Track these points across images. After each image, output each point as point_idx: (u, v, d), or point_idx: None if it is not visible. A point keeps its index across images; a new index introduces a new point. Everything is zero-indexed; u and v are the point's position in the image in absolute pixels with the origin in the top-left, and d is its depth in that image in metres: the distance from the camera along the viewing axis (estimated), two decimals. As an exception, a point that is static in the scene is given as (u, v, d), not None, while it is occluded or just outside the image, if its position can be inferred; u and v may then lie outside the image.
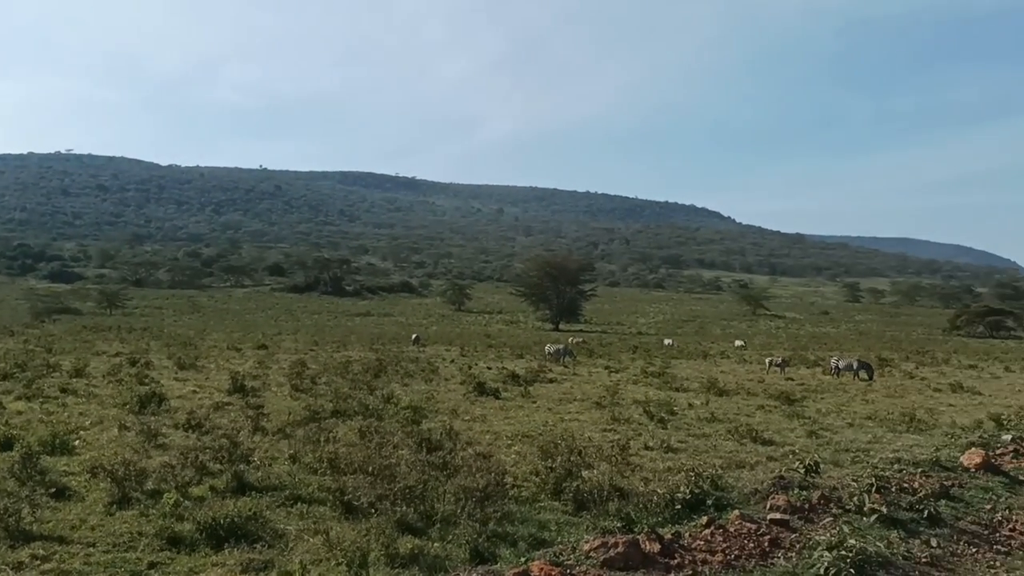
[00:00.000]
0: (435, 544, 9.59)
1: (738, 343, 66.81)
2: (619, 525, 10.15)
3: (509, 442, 16.54)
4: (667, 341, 66.38)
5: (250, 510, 10.35)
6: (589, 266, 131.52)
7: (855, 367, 35.57)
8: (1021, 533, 11.63)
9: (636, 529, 9.90)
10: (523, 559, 9.05)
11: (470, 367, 35.97)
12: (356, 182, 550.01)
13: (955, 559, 10.28)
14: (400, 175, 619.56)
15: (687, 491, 11.23)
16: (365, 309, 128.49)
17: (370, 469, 12.12)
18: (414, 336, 59.82)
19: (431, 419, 19.40)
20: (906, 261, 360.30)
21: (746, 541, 9.63)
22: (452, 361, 40.61)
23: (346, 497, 11.07)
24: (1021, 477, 14.73)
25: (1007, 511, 12.52)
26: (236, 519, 9.96)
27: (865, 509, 11.10)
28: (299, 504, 11.38)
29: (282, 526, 10.37)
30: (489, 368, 36.10)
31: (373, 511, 10.48)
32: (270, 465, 13.71)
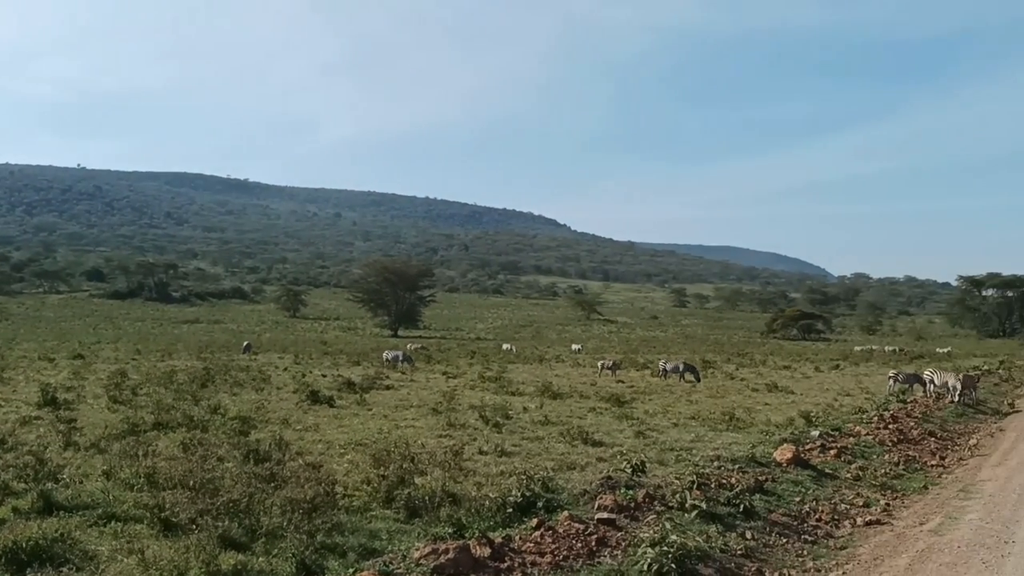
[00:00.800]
0: (259, 559, 9.23)
1: (575, 347, 68.43)
2: (450, 531, 10.12)
3: (342, 451, 16.23)
4: (505, 346, 67.19)
5: (57, 531, 9.65)
6: (428, 272, 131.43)
7: (681, 369, 37.14)
8: (826, 523, 12.47)
9: (467, 534, 9.90)
10: (351, 570, 8.86)
11: (304, 375, 35.12)
12: (184, 183, 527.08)
13: (767, 550, 10.88)
14: (232, 177, 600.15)
15: (519, 494, 11.34)
16: (193, 316, 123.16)
17: (191, 483, 11.55)
18: (245, 344, 57.83)
19: (261, 429, 18.75)
20: (728, 268, 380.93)
21: (574, 541, 9.82)
22: (285, 369, 39.52)
23: (164, 513, 10.50)
24: (827, 470, 15.80)
25: (814, 502, 13.39)
26: (41, 541, 9.26)
27: (687, 505, 11.56)
28: (113, 523, 10.70)
29: (93, 547, 9.72)
30: (324, 376, 35.37)
31: (194, 527, 9.97)
32: (81, 482, 12.84)
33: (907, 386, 31.92)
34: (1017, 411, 29.40)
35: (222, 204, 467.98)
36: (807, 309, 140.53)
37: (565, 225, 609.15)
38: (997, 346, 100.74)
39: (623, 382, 35.50)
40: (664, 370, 38.16)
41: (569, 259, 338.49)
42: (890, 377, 33.62)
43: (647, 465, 14.04)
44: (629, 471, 13.44)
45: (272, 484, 11.95)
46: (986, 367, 48.35)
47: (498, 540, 9.55)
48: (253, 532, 10.05)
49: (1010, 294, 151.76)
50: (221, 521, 10.01)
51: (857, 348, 79.94)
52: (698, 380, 35.94)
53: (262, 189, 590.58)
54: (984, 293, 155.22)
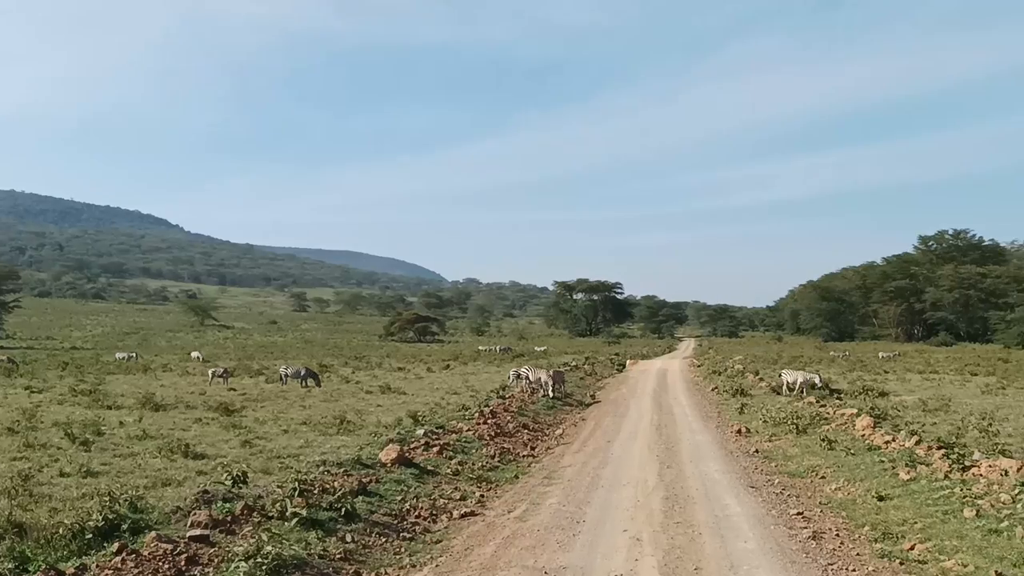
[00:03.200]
0: None
1: (195, 355, 64.64)
2: (11, 567, 8.91)
3: None
4: (120, 355, 61.72)
5: None
6: (13, 274, 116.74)
7: (303, 374, 36.74)
8: (425, 519, 12.93)
9: (32, 568, 8.79)
10: None
11: None
12: None
13: (367, 551, 11.00)
14: None
15: (100, 517, 10.31)
16: None
17: None
18: None
19: None
20: (349, 273, 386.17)
21: (161, 563, 9.14)
22: None
23: None
24: (429, 467, 16.43)
25: (415, 500, 13.83)
26: None
27: (287, 514, 11.31)
28: None
29: None
30: None
31: None
32: None
33: (524, 381, 34.30)
34: (598, 402, 33.04)
35: None
36: (423, 312, 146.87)
37: (177, 225, 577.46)
38: (585, 344, 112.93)
39: (235, 390, 34.21)
40: (285, 376, 37.46)
41: (182, 262, 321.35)
42: (512, 373, 36.08)
43: (250, 475, 13.58)
44: (229, 483, 12.87)
45: None
46: (574, 363, 53.82)
47: (70, 571, 8.60)
48: None
49: (596, 298, 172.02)
50: None
51: (481, 348, 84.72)
52: (319, 385, 35.77)
53: None
54: (575, 297, 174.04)
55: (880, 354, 70.69)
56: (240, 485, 12.90)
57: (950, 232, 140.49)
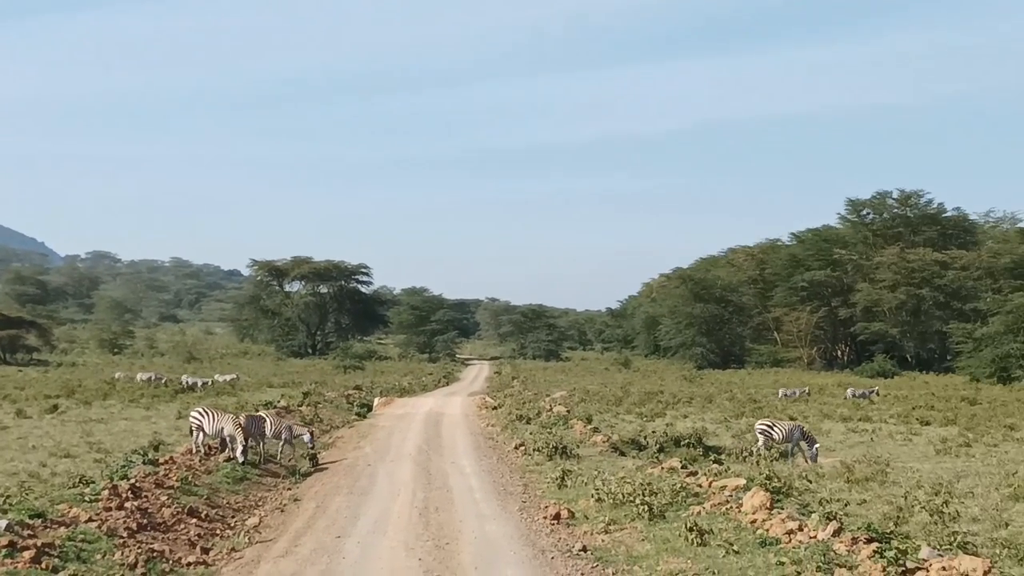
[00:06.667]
0: None
1: None
2: None
3: None
4: None
5: None
6: None
7: None
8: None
9: None
10: None
11: None
12: None
13: None
14: None
15: None
16: None
17: None
18: None
19: None
20: None
21: None
22: None
23: None
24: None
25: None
26: None
27: None
28: None
29: None
30: None
31: None
32: None
33: (199, 434, 32.94)
34: (323, 468, 33.04)
35: None
36: (12, 312, 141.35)
37: None
38: (305, 369, 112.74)
39: None
40: None
41: None
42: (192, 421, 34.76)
43: None
44: None
45: None
46: (284, 403, 53.45)
47: None
48: None
49: (325, 290, 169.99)
50: None
51: (119, 375, 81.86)
52: None
53: None
54: (288, 288, 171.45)
55: (848, 390, 73.13)
56: None
57: (894, 195, 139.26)
